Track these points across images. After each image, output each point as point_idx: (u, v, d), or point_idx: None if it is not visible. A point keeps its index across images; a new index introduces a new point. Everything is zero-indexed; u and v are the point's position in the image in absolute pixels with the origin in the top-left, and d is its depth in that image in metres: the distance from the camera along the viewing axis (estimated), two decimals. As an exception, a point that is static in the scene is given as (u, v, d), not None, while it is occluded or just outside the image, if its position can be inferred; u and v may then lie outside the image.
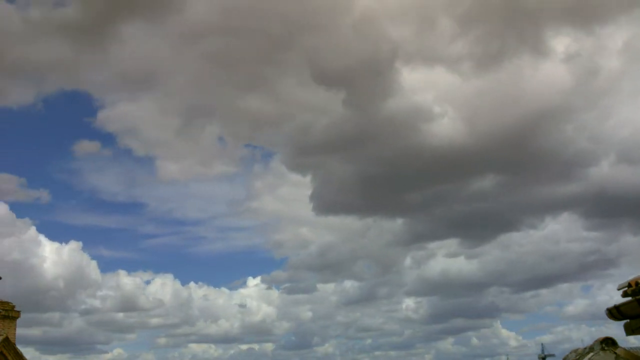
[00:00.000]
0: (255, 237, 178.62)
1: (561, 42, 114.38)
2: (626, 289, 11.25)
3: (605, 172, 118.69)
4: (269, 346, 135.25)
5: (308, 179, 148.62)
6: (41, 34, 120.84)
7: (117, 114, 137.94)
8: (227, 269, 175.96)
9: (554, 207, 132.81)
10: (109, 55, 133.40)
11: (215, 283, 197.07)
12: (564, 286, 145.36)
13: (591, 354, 13.42)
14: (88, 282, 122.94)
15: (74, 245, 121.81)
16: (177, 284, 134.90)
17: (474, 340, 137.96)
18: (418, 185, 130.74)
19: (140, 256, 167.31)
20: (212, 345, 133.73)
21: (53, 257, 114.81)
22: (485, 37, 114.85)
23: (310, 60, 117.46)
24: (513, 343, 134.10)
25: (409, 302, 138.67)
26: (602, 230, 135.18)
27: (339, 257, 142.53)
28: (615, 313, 11.69)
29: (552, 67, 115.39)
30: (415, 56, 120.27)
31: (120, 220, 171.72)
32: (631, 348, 13.75)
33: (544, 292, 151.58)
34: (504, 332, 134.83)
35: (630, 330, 11.67)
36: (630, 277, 11.23)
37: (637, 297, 10.98)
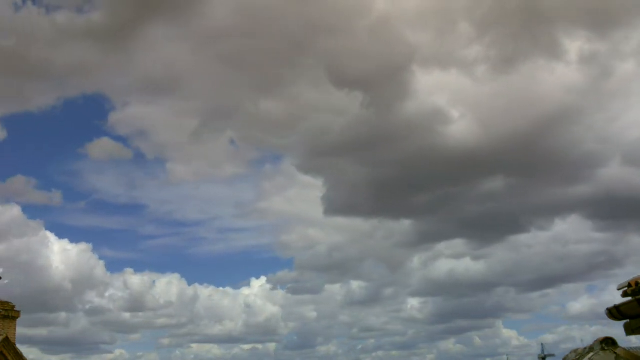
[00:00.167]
0: (263, 237, 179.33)
1: (575, 45, 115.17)
2: (626, 289, 11.25)
3: (614, 173, 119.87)
4: (272, 346, 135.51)
5: (320, 180, 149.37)
6: (66, 37, 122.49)
7: (132, 116, 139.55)
8: (234, 270, 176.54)
9: (563, 208, 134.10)
10: (130, 58, 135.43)
11: (221, 283, 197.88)
12: (569, 286, 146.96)
13: (591, 354, 13.43)
14: (95, 282, 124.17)
15: (83, 247, 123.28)
16: (183, 284, 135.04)
17: (477, 340, 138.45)
18: (429, 186, 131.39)
19: (145, 257, 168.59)
20: (215, 345, 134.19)
21: (62, 258, 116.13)
22: (500, 40, 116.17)
23: (326, 63, 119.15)
24: (515, 343, 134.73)
25: (413, 303, 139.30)
26: (610, 231, 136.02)
27: (346, 257, 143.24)
28: (615, 313, 11.69)
29: (566, 69, 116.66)
30: (431, 59, 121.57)
31: (123, 222, 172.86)
32: (631, 348, 13.75)
33: (549, 292, 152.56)
34: (507, 333, 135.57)
35: (630, 330, 11.68)
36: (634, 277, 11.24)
37: (637, 297, 10.99)
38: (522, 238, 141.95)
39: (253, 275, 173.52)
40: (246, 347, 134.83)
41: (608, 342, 13.39)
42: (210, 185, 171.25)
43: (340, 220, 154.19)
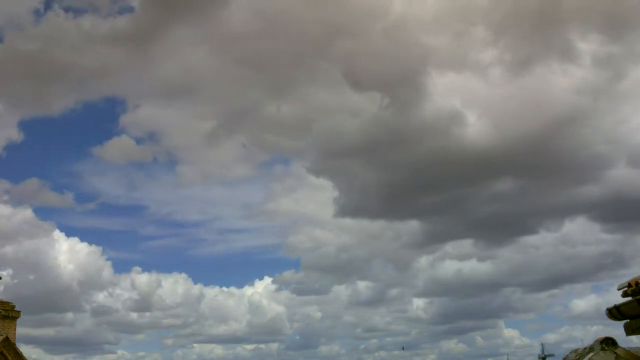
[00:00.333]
0: (270, 238, 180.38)
1: (589, 48, 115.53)
2: (626, 289, 11.26)
3: (622, 175, 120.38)
4: (274, 346, 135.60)
5: (331, 182, 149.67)
6: (90, 42, 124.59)
7: (147, 119, 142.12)
8: (241, 270, 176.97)
9: (572, 210, 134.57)
10: (151, 62, 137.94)
11: (227, 283, 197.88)
12: (574, 287, 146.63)
13: (591, 354, 13.42)
14: (103, 282, 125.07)
15: (91, 248, 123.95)
16: (189, 284, 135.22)
17: (479, 340, 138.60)
18: (439, 188, 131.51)
19: (150, 257, 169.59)
20: (219, 346, 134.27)
21: (70, 259, 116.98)
22: (515, 43, 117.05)
23: (343, 65, 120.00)
24: (517, 343, 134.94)
25: (419, 303, 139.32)
26: (618, 232, 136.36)
27: (353, 258, 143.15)
28: (615, 313, 11.70)
29: (579, 72, 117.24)
30: (446, 62, 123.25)
31: (125, 223, 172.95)
32: (631, 348, 13.74)
33: (555, 292, 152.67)
34: (509, 332, 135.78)
35: (630, 330, 11.69)
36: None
37: (637, 297, 11.00)
38: (530, 239, 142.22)
39: (259, 276, 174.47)
40: (249, 347, 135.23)
41: (608, 342, 13.38)
42: (218, 187, 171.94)
43: (350, 222, 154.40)
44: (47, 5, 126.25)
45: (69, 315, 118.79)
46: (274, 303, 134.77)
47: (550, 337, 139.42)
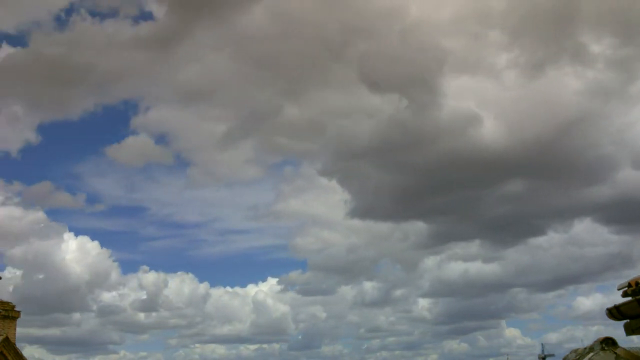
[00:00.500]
0: (279, 239, 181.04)
1: (602, 51, 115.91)
2: (626, 289, 11.26)
3: (630, 176, 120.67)
4: (277, 346, 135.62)
5: (342, 184, 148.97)
6: (114, 46, 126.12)
7: (163, 121, 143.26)
8: (247, 270, 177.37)
9: (580, 211, 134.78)
10: (171, 66, 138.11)
11: (232, 283, 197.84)
12: (579, 287, 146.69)
13: (591, 354, 13.41)
14: (108, 283, 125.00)
15: (98, 249, 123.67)
16: (194, 284, 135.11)
17: (480, 340, 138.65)
18: (450, 189, 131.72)
19: (154, 258, 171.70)
20: (221, 346, 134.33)
21: (78, 259, 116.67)
22: (530, 47, 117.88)
23: (359, 66, 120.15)
24: (519, 342, 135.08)
25: (424, 303, 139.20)
26: (625, 234, 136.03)
27: (361, 259, 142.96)
28: (615, 313, 11.70)
29: (592, 74, 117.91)
30: (462, 65, 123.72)
31: (127, 223, 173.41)
32: (631, 348, 13.74)
33: (560, 293, 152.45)
34: (511, 332, 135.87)
35: (630, 330, 11.69)
36: None
37: (637, 297, 11.00)
38: (538, 240, 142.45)
39: (265, 276, 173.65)
40: (252, 347, 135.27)
41: (608, 342, 13.38)
42: (228, 188, 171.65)
43: (358, 223, 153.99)
44: (71, 10, 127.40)
45: (76, 316, 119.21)
46: (279, 303, 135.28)
47: (552, 337, 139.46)
